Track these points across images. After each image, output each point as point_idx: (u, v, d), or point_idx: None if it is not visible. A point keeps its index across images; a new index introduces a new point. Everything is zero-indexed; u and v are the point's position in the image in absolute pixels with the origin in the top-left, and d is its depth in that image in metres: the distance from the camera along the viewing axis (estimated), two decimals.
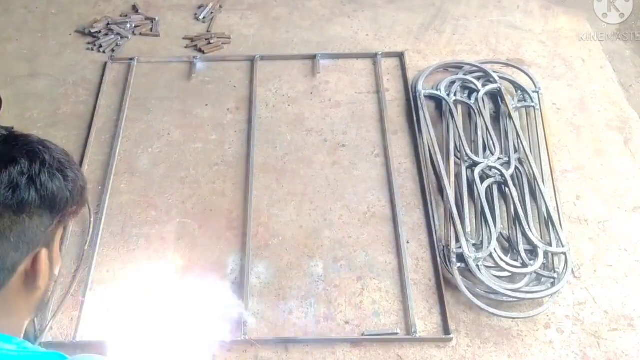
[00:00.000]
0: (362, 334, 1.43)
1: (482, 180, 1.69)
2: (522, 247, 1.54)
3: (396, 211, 1.66)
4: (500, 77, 1.97)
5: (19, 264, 0.67)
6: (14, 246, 0.66)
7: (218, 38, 2.21)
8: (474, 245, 1.56)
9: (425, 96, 1.94)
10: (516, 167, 1.72)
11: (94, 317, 1.47)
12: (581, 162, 1.81)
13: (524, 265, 1.51)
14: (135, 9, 2.34)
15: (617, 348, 1.42)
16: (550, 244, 1.55)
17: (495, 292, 1.46)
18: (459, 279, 1.49)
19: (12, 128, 0.71)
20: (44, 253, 0.69)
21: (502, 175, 1.69)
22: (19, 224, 0.66)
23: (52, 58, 2.15)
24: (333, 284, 1.53)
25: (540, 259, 1.51)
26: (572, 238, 1.62)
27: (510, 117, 1.84)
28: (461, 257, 1.53)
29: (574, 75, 2.08)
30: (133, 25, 2.26)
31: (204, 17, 2.30)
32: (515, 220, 1.61)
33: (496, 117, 1.91)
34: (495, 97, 1.95)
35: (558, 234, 1.56)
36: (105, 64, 2.10)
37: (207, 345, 1.41)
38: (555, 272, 1.51)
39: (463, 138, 1.78)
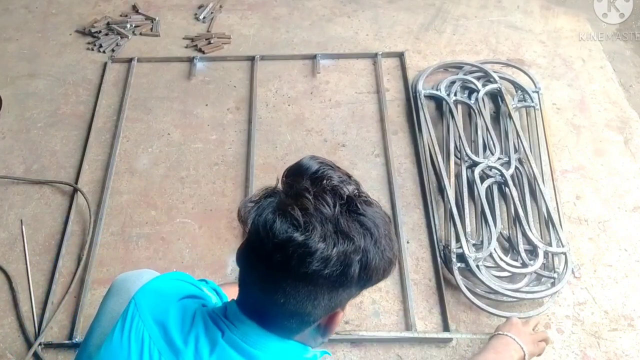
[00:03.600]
0: None
1: (482, 180, 1.69)
2: (522, 247, 1.54)
3: (396, 211, 1.66)
4: (501, 77, 1.97)
5: (318, 320, 0.73)
6: (322, 308, 0.70)
7: (218, 38, 2.21)
8: (474, 245, 1.56)
9: (425, 96, 1.94)
10: (516, 167, 1.72)
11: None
12: (581, 162, 1.81)
13: (524, 265, 1.51)
14: (135, 9, 2.35)
15: (617, 348, 1.42)
16: (550, 244, 1.55)
17: (495, 292, 1.46)
18: (459, 279, 1.49)
19: (360, 193, 0.70)
20: (340, 315, 0.73)
21: (502, 175, 1.69)
22: (334, 293, 0.69)
23: (52, 58, 2.15)
24: None
25: (540, 259, 1.51)
26: (572, 238, 1.62)
27: (511, 117, 1.84)
28: (461, 257, 1.53)
29: (574, 75, 2.09)
30: (133, 25, 2.26)
31: (204, 17, 2.30)
32: (515, 220, 1.61)
33: (496, 117, 1.91)
34: (495, 97, 1.95)
35: (558, 234, 1.56)
36: (105, 64, 2.10)
37: None
38: (555, 272, 1.51)
39: (463, 138, 1.78)
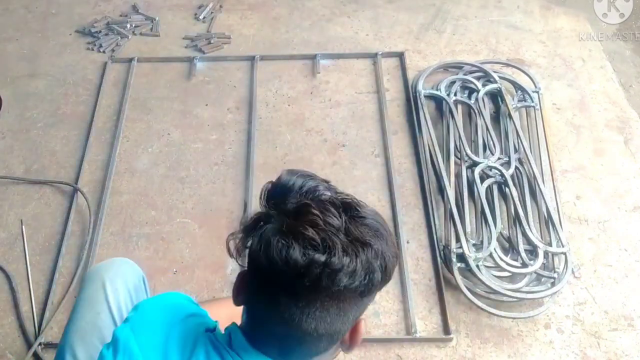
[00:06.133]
0: None
1: (482, 180, 1.69)
2: (522, 247, 1.54)
3: (396, 211, 1.66)
4: (501, 77, 1.97)
5: (344, 334, 0.70)
6: (350, 321, 0.68)
7: (218, 38, 2.21)
8: (474, 245, 1.56)
9: (425, 96, 1.94)
10: (516, 167, 1.72)
11: None
12: (581, 162, 1.81)
13: (524, 265, 1.51)
14: (135, 9, 2.35)
15: (617, 348, 1.42)
16: (550, 244, 1.55)
17: (496, 292, 1.46)
18: (459, 279, 1.49)
19: (346, 196, 0.67)
20: (362, 324, 0.71)
21: (502, 175, 1.69)
22: (360, 303, 0.67)
23: (52, 58, 2.15)
24: None
25: (540, 259, 1.51)
26: (572, 238, 1.62)
27: (510, 117, 1.84)
28: (461, 257, 1.53)
29: (574, 75, 2.09)
30: (133, 25, 2.26)
31: (204, 17, 2.30)
32: (515, 220, 1.61)
33: (496, 117, 1.91)
34: (495, 97, 1.95)
35: (558, 234, 1.56)
36: (105, 64, 2.10)
37: None
38: (555, 272, 1.51)
39: (463, 138, 1.78)
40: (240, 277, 0.72)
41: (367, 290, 0.64)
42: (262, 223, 0.65)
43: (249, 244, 0.65)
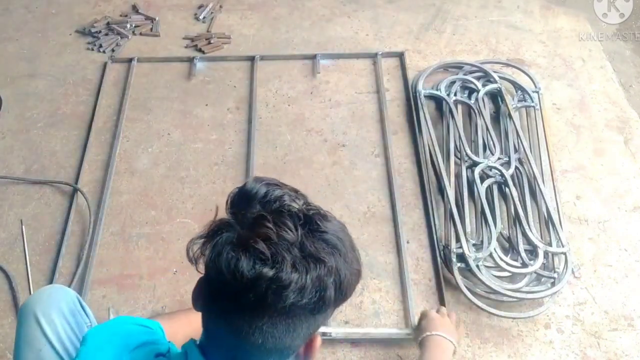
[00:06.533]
0: None
1: (482, 180, 1.69)
2: (522, 247, 1.54)
3: (396, 211, 1.66)
4: (501, 77, 1.97)
5: (298, 349, 0.69)
6: (301, 338, 0.67)
7: (218, 38, 2.21)
8: (474, 245, 1.56)
9: (425, 96, 1.94)
10: (516, 167, 1.72)
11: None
12: (581, 162, 1.81)
13: (524, 265, 1.51)
14: (135, 9, 2.35)
15: (617, 348, 1.42)
16: (550, 244, 1.55)
17: (496, 292, 1.46)
18: (459, 279, 1.49)
19: (312, 208, 0.66)
20: (317, 339, 0.71)
21: (502, 175, 1.69)
22: (312, 320, 0.66)
23: (52, 58, 2.15)
24: None
25: (540, 259, 1.51)
26: (572, 238, 1.62)
27: (510, 117, 1.84)
28: (461, 257, 1.53)
29: (574, 75, 2.09)
30: (133, 25, 2.26)
31: (204, 17, 2.30)
32: (515, 220, 1.61)
33: (496, 117, 1.91)
34: (495, 97, 1.95)
35: (558, 234, 1.56)
36: (105, 64, 2.10)
37: None
38: (555, 272, 1.51)
39: (463, 138, 1.78)
40: (198, 283, 0.71)
41: (317, 307, 0.63)
42: (218, 231, 0.64)
43: (206, 251, 0.64)
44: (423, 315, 1.34)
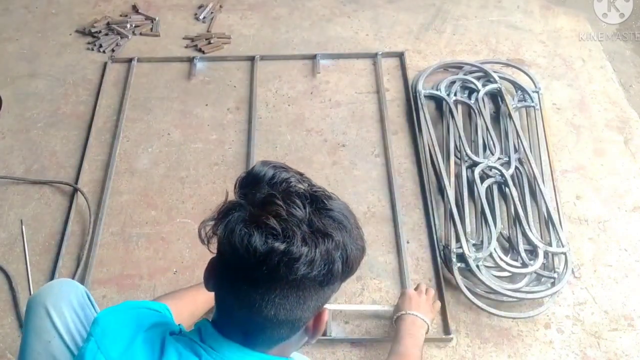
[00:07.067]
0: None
1: (482, 180, 1.69)
2: (522, 247, 1.54)
3: (396, 211, 1.66)
4: (501, 77, 1.97)
5: (307, 322, 0.73)
6: (311, 310, 0.71)
7: (218, 38, 2.21)
8: (474, 245, 1.56)
9: (425, 96, 1.94)
10: (516, 167, 1.72)
11: None
12: (581, 162, 1.81)
13: (524, 265, 1.51)
14: (135, 9, 2.35)
15: (617, 348, 1.42)
16: (550, 244, 1.55)
17: (496, 292, 1.46)
18: (459, 279, 1.49)
19: (318, 189, 0.70)
20: (325, 312, 0.74)
21: (502, 175, 1.69)
22: (321, 292, 0.70)
23: (52, 58, 2.15)
24: None
25: (540, 259, 1.51)
26: (572, 238, 1.62)
27: (510, 117, 1.84)
28: (461, 257, 1.53)
29: (574, 75, 2.09)
30: (133, 25, 2.26)
31: (204, 17, 2.30)
32: (515, 220, 1.61)
33: (496, 117, 1.91)
34: (495, 97, 1.95)
35: (558, 234, 1.56)
36: (105, 64, 2.10)
37: None
38: (555, 272, 1.51)
39: (463, 138, 1.78)
40: (210, 263, 0.76)
41: (326, 280, 0.67)
42: (230, 211, 0.67)
43: (218, 231, 0.68)
44: (402, 294, 1.37)
